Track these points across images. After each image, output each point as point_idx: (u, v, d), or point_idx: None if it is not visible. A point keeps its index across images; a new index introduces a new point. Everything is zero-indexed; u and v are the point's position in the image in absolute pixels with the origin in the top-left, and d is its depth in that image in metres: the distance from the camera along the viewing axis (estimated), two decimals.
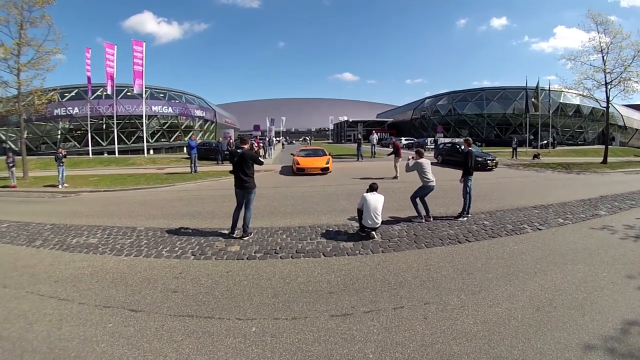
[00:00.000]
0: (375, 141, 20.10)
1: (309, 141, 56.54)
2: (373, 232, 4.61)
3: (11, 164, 11.89)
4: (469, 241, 4.61)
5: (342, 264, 3.90)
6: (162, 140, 37.11)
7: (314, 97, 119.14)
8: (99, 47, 29.11)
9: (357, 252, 4.22)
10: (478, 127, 42.60)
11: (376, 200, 4.59)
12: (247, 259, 4.20)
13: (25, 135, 16.91)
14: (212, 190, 9.70)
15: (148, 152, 27.12)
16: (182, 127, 39.01)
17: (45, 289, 3.76)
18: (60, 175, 11.59)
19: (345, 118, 63.47)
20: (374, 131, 24.02)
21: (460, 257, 4.04)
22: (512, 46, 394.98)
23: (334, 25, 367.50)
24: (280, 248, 4.45)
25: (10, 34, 12.65)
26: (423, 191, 5.56)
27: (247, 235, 4.81)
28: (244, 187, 4.75)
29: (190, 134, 24.71)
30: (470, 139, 6.27)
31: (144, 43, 23.56)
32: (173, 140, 37.74)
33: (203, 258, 4.31)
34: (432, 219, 5.51)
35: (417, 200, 5.55)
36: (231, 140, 18.78)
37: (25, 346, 2.70)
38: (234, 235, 4.80)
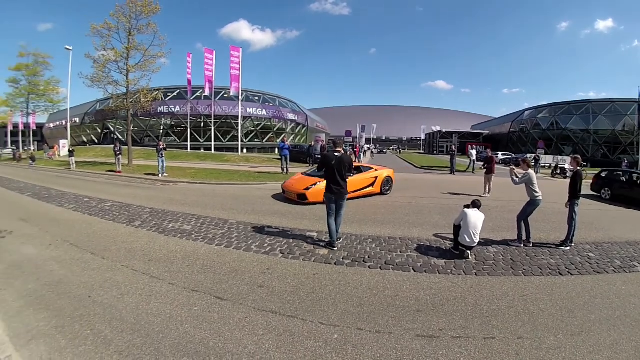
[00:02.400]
0: (474, 156, 27.18)
1: (399, 150, 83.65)
2: (468, 252, 6.22)
3: (118, 153, 21.54)
4: (571, 274, 5.89)
5: (432, 282, 5.22)
6: (255, 140, 57.53)
7: (405, 105, 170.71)
8: (198, 53, 50.77)
9: (449, 271, 5.66)
10: (583, 144, 56.67)
11: (477, 218, 6.27)
12: (335, 264, 5.83)
13: (131, 128, 28.08)
14: None
15: (242, 151, 40.44)
16: (275, 129, 59.45)
17: (139, 265, 5.92)
18: (161, 165, 19.08)
19: (438, 128, 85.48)
20: (473, 145, 31.94)
21: (561, 291, 5.16)
22: (621, 52, 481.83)
23: (427, 31, 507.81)
24: (369, 257, 6.14)
25: (120, 39, 23.54)
26: (532, 208, 7.45)
27: (337, 241, 6.75)
28: (339, 193, 6.58)
29: (282, 136, 35.12)
30: (579, 157, 8.02)
31: (241, 49, 36.98)
32: (266, 141, 58.08)
33: (291, 257, 6.12)
34: (531, 244, 7.27)
35: (522, 221, 7.40)
36: (324, 144, 26.03)
37: (114, 313, 4.34)
38: (335, 248, 6.59)
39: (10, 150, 53.95)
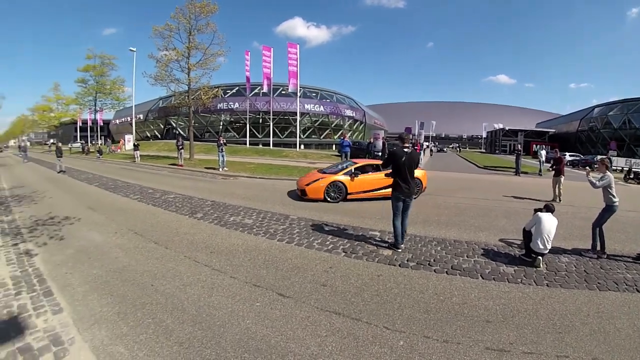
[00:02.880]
0: (544, 157, 26.63)
1: (459, 149, 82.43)
2: (539, 259, 6.09)
3: (180, 147, 23.12)
4: None
5: (501, 291, 5.11)
6: (313, 136, 59.47)
7: (465, 100, 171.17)
8: (255, 51, 54.82)
9: (519, 280, 5.53)
10: None
11: (551, 223, 6.16)
12: (399, 266, 5.84)
13: (192, 124, 30.12)
14: None
15: (299, 147, 42.04)
16: (332, 125, 61.36)
17: (201, 257, 6.17)
18: (221, 160, 20.17)
19: (501, 126, 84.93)
20: (542, 145, 30.52)
21: (639, 311, 4.84)
22: None
23: (488, 24, 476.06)
24: (434, 260, 6.11)
25: (181, 39, 26.00)
26: (608, 214, 7.14)
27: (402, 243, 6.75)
28: (408, 193, 6.58)
29: (340, 132, 39.09)
30: None
31: (298, 45, 38.54)
32: (323, 138, 59.96)
33: (354, 257, 6.19)
34: (605, 256, 6.84)
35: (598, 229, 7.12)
36: (379, 142, 27.04)
37: (176, 303, 4.49)
38: (399, 250, 6.58)
39: (80, 144, 60.56)
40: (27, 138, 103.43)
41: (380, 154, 25.96)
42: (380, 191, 11.52)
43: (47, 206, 11.14)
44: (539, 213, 6.31)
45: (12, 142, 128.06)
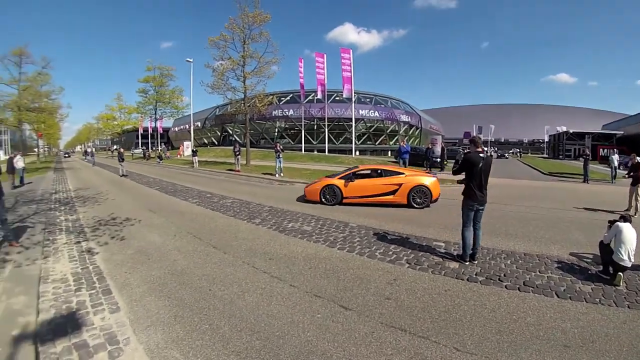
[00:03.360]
0: (616, 162, 24.76)
1: (519, 154, 78.95)
2: (620, 276, 5.62)
3: (237, 153, 24.06)
4: None
5: (579, 312, 4.72)
6: (368, 142, 58.59)
7: (524, 102, 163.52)
8: (308, 58, 55.15)
9: (598, 299, 5.08)
10: None
11: (632, 234, 5.78)
12: (468, 280, 5.54)
13: (249, 131, 31.74)
14: None
15: (354, 153, 42.91)
16: (388, 131, 60.07)
17: (260, 263, 6.12)
18: (278, 166, 20.73)
19: (564, 128, 78.84)
20: (614, 149, 28.27)
21: None
22: None
23: (545, 19, 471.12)
24: (504, 275, 5.77)
25: (236, 49, 27.76)
26: None
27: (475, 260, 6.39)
28: (482, 201, 6.31)
29: (395, 138, 36.97)
30: None
31: (351, 50, 38.97)
32: (378, 144, 59.13)
33: (419, 269, 5.97)
34: None
35: None
36: (438, 147, 27.68)
37: (234, 311, 4.41)
38: (467, 262, 6.30)
39: (141, 150, 66.55)
40: (92, 144, 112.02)
41: (439, 160, 25.80)
42: (379, 197, 11.52)
43: (109, 207, 11.76)
44: (618, 223, 5.93)
45: (78, 148, 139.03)
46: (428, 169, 24.85)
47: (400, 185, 11.49)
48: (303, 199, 12.33)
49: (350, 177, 12.01)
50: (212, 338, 3.81)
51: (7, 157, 22.23)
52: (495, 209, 10.85)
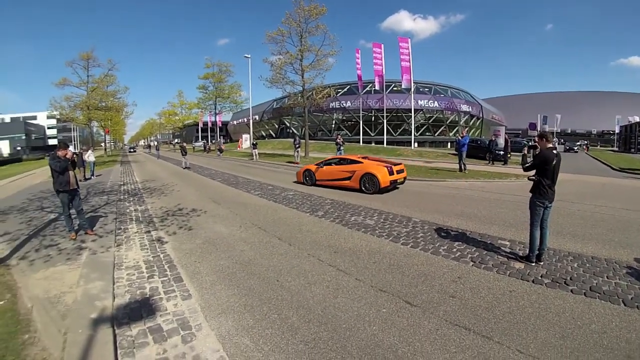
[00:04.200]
0: None
1: (587, 147, 70.56)
2: None
3: (297, 146, 24.76)
4: None
5: None
6: (427, 134, 58.43)
7: (592, 89, 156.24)
8: (363, 49, 55.10)
9: None
10: None
11: None
12: (533, 282, 5.44)
13: (307, 123, 33.32)
14: (486, 192, 13.11)
15: (413, 145, 43.19)
16: (447, 121, 59.26)
17: (325, 256, 6.23)
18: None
19: (637, 118, 76.10)
20: None
21: None
22: None
23: None
24: (571, 279, 5.58)
25: (293, 43, 29.28)
26: None
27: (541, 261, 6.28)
28: (552, 198, 6.19)
29: (456, 129, 37.61)
30: None
31: (409, 39, 39.05)
32: (437, 135, 58.52)
33: (483, 267, 5.94)
34: None
35: None
36: (501, 139, 27.17)
37: (301, 301, 4.54)
38: (533, 263, 6.19)
39: (202, 143, 70.16)
40: (155, 138, 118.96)
41: (502, 152, 24.48)
42: (339, 182, 13.73)
43: (175, 198, 12.44)
44: None
45: (141, 142, 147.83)
46: (491, 162, 24.26)
47: (354, 172, 13.29)
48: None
49: (321, 164, 14.99)
50: (281, 327, 3.94)
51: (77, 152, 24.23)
52: (562, 207, 10.50)
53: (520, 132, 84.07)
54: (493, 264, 5.98)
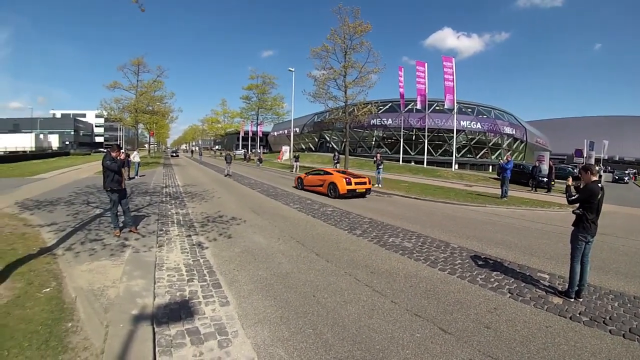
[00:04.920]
0: None
1: (635, 177, 68.11)
2: None
3: (336, 162, 25.52)
4: None
5: None
6: (468, 156, 57.48)
7: None
8: (406, 66, 56.22)
9: None
10: None
11: None
12: (570, 318, 5.30)
13: (348, 139, 33.52)
14: (527, 221, 12.84)
15: (454, 167, 42.39)
16: (490, 144, 58.40)
17: (362, 275, 6.28)
18: (377, 176, 21.14)
19: None
20: None
21: None
22: None
23: None
24: (610, 318, 5.38)
25: (337, 58, 29.73)
26: None
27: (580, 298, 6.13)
28: (595, 233, 6.05)
29: (498, 152, 37.07)
30: None
31: (454, 58, 38.87)
32: (479, 157, 57.68)
33: (520, 300, 5.84)
34: None
35: None
36: (545, 165, 26.53)
37: (336, 319, 4.61)
38: (572, 299, 6.03)
39: (242, 152, 72.72)
40: (197, 144, 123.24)
41: (546, 179, 23.64)
42: (316, 187, 17.81)
43: (216, 205, 12.83)
44: None
45: (183, 147, 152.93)
46: (534, 189, 23.57)
47: (324, 181, 17.30)
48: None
49: (308, 174, 19.61)
50: (315, 342, 4.01)
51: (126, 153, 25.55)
52: (605, 241, 10.09)
53: (565, 157, 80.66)
54: (531, 297, 5.91)
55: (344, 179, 16.14)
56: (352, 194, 16.16)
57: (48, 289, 5.05)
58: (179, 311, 4.66)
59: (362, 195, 16.80)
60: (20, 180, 19.10)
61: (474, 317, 4.96)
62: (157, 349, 3.80)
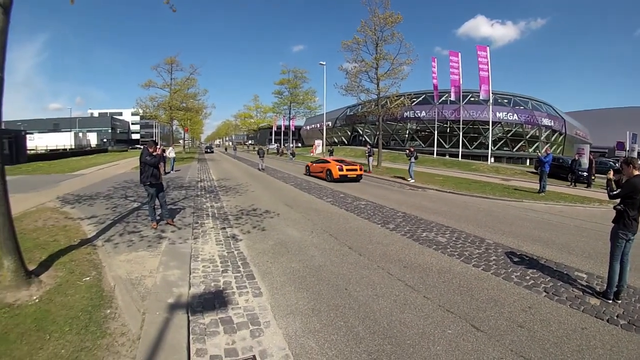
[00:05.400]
0: None
1: None
2: None
3: (369, 155, 25.12)
4: None
5: None
6: (504, 148, 55.17)
7: None
8: (438, 56, 53.53)
9: None
10: None
11: None
12: (607, 321, 5.07)
13: (381, 132, 33.82)
14: (565, 217, 12.42)
15: (489, 160, 41.69)
16: (527, 136, 55.79)
17: (394, 269, 6.29)
18: (411, 170, 20.79)
19: None
20: None
21: None
22: None
23: None
24: None
25: (369, 51, 29.38)
26: None
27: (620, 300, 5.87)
28: (636, 230, 5.83)
29: (536, 145, 36.23)
30: None
31: (488, 47, 37.39)
32: (515, 150, 55.27)
33: (556, 300, 5.66)
34: None
35: None
36: (585, 159, 25.21)
37: (368, 312, 4.64)
38: (610, 300, 5.80)
39: (275, 146, 74.07)
40: (230, 139, 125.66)
41: (586, 174, 22.43)
42: (318, 173, 21.95)
43: (250, 199, 13.09)
44: None
45: (216, 142, 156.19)
46: (573, 184, 22.59)
47: (324, 168, 21.35)
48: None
49: (314, 162, 23.93)
50: (346, 335, 4.05)
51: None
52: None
53: (606, 150, 76.75)
54: (567, 297, 5.73)
55: (337, 167, 20.52)
56: (344, 179, 20.39)
57: (88, 278, 5.30)
58: (213, 301, 4.81)
59: (354, 180, 20.94)
60: (61, 176, 20.02)
61: (508, 315, 4.90)
62: (191, 337, 3.94)
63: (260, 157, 28.18)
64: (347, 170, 20.45)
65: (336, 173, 20.18)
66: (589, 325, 4.84)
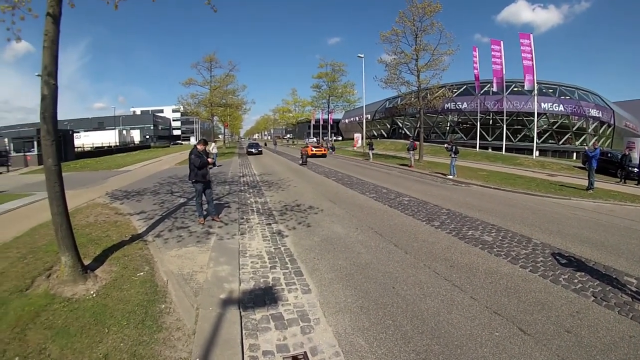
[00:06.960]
0: None
1: None
2: None
3: (411, 149, 24.76)
4: None
5: None
6: (550, 141, 52.54)
7: None
8: (478, 44, 51.71)
9: None
10: None
11: None
12: None
13: (422, 125, 33.70)
14: (615, 217, 11.88)
15: (534, 154, 39.55)
16: (574, 128, 52.72)
17: (441, 269, 6.28)
18: (453, 164, 20.34)
19: None
20: None
21: None
22: None
23: None
24: None
25: (408, 42, 28.79)
26: None
27: None
28: None
29: (583, 137, 34.30)
30: None
31: (531, 35, 35.20)
32: (562, 143, 52.57)
33: (604, 305, 5.44)
34: None
35: None
36: (636, 154, 23.73)
37: (415, 312, 4.68)
38: None
39: (314, 140, 73.26)
40: (269, 133, 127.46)
41: (637, 170, 20.95)
42: (319, 157, 34.41)
43: (293, 194, 13.32)
44: None
45: (255, 136, 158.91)
46: (622, 180, 21.20)
47: (306, 151, 30.12)
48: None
49: (303, 147, 35.38)
50: (394, 333, 4.12)
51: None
52: None
53: None
54: (616, 302, 5.52)
55: (310, 150, 34.89)
56: (314, 156, 34.56)
57: (142, 273, 5.59)
58: (264, 297, 4.98)
59: (323, 156, 36.22)
60: (108, 173, 21.04)
61: (555, 319, 4.83)
62: (243, 332, 4.10)
63: (301, 154, 29.07)
64: (316, 150, 36.11)
65: (310, 153, 33.73)
66: (638, 333, 4.72)
